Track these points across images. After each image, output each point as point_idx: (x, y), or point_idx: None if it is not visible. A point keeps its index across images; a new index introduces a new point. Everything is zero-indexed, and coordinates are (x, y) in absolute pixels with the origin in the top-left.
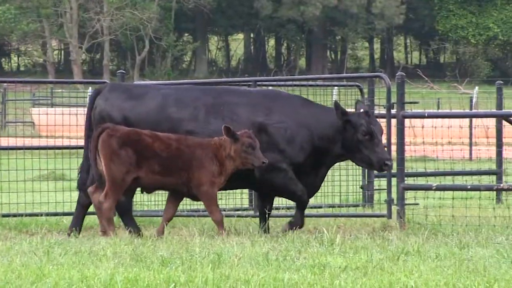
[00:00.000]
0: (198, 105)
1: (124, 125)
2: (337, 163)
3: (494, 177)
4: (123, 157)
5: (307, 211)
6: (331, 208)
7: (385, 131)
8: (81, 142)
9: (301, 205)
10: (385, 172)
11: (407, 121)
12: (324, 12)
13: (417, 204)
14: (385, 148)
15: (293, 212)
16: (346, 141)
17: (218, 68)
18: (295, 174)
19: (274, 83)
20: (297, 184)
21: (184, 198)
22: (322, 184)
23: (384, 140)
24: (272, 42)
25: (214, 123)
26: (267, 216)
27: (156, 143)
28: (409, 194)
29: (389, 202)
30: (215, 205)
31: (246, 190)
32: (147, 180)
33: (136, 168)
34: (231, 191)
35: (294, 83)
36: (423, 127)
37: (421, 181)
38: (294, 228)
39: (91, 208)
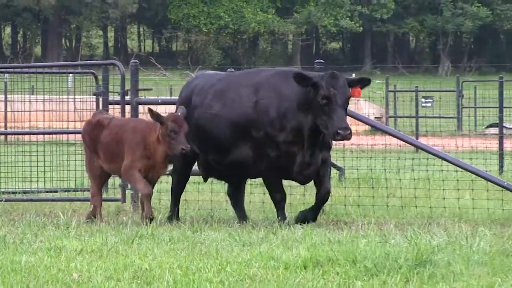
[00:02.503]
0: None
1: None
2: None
3: None
4: (87, 144)
5: (42, 195)
6: (66, 192)
7: None
8: None
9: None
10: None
11: (141, 107)
12: (59, 1)
13: None
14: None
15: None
16: (311, 104)
17: None
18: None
19: (11, 70)
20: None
21: None
22: (58, 169)
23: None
24: (8, 30)
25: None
26: None
27: (104, 130)
28: None
29: (123, 186)
30: (139, 183)
31: None
32: (104, 167)
33: (95, 155)
34: None
35: (30, 70)
36: None
37: None
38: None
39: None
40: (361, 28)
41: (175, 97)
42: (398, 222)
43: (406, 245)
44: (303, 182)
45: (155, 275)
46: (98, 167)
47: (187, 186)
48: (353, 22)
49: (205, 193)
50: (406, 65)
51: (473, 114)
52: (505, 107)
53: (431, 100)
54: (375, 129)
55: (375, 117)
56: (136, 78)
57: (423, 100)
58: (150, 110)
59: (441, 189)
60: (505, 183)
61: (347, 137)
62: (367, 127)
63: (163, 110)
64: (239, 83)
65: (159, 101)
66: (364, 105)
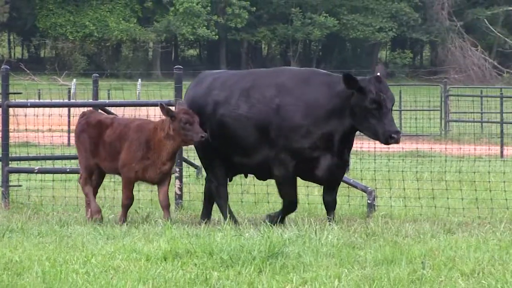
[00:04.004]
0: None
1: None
2: None
3: None
4: (83, 143)
5: None
6: None
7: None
8: None
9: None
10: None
11: (11, 110)
12: None
13: (20, 185)
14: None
15: None
16: (354, 109)
17: None
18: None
19: None
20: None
21: None
22: None
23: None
24: None
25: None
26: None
27: (106, 129)
28: (13, 177)
29: None
30: (127, 188)
31: None
32: (102, 165)
33: (92, 153)
34: None
35: None
36: (26, 115)
37: (24, 164)
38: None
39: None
40: (217, 36)
41: (44, 100)
42: (252, 216)
43: (259, 238)
44: (331, 184)
45: (25, 267)
46: (93, 166)
47: (55, 184)
48: (209, 30)
49: (71, 190)
50: None
51: None
52: None
53: None
54: None
55: None
56: (7, 83)
57: None
58: (161, 106)
59: None
60: (351, 181)
61: (398, 141)
62: None
63: (32, 112)
64: (263, 84)
65: (28, 104)
66: None
